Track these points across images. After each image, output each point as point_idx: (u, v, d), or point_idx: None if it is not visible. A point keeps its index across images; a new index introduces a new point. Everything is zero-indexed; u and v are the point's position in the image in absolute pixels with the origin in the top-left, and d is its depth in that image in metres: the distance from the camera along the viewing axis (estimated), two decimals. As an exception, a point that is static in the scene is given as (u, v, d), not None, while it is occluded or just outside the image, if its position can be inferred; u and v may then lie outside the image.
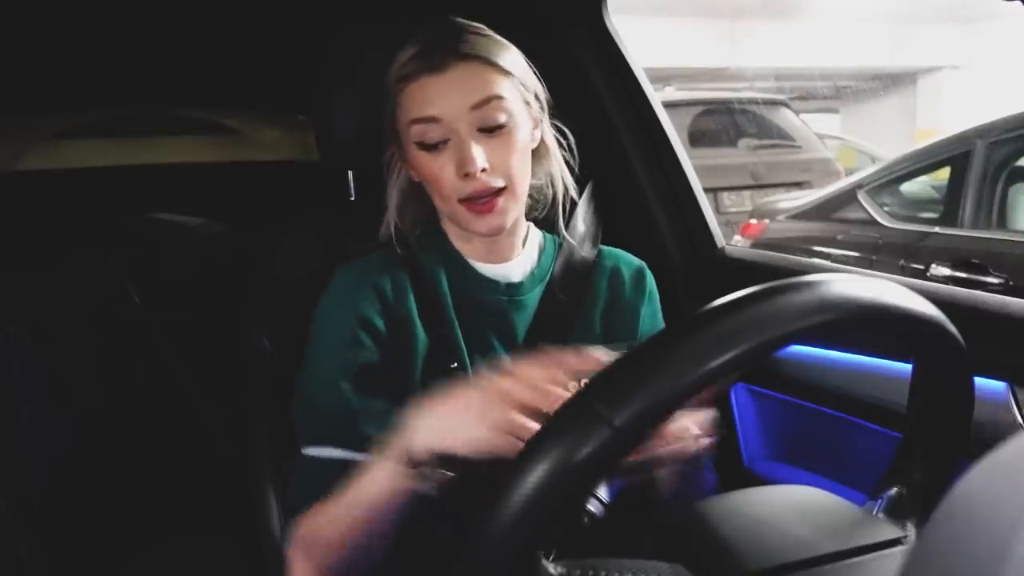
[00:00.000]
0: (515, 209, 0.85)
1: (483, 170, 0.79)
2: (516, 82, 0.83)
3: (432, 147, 0.81)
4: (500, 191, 0.81)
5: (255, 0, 1.31)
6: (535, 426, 0.60)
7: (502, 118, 0.80)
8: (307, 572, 0.74)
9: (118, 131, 1.54)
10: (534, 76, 0.87)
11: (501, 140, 0.81)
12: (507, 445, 0.62)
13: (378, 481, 0.69)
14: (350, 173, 1.40)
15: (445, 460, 0.65)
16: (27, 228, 1.34)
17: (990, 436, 0.60)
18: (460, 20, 0.83)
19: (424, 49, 0.80)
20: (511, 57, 0.84)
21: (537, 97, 0.87)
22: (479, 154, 0.79)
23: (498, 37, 0.84)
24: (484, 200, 0.81)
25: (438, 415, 0.67)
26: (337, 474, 0.74)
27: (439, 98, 0.79)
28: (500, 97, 0.80)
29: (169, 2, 1.27)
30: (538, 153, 0.90)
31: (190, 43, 1.40)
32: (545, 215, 0.95)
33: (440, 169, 0.81)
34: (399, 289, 0.86)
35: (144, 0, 1.25)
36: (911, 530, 0.58)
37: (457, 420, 0.65)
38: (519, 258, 0.92)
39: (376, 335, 0.83)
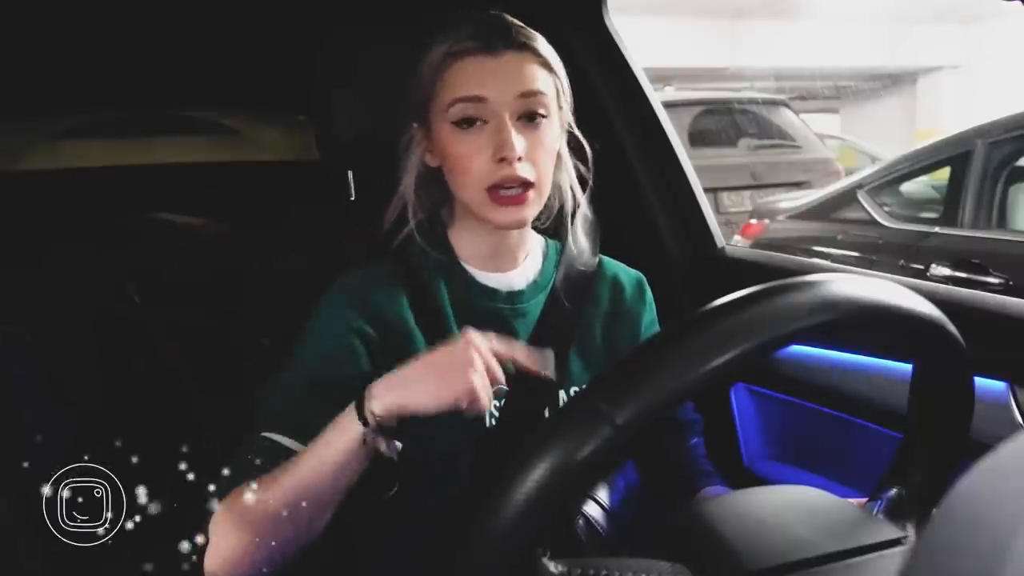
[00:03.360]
0: (537, 207, 0.84)
1: (519, 158, 0.79)
2: (559, 83, 0.85)
3: (469, 128, 0.80)
4: (529, 185, 0.81)
5: (255, 0, 1.31)
6: (490, 389, 0.68)
7: (543, 111, 0.81)
8: (232, 544, 0.72)
9: (118, 131, 1.53)
10: (569, 84, 0.87)
11: (538, 133, 0.81)
12: (465, 401, 0.67)
13: (335, 440, 0.70)
14: (350, 173, 1.40)
15: (403, 423, 0.69)
16: (27, 228, 1.34)
17: (990, 436, 0.60)
18: (506, 15, 0.84)
19: (479, 32, 0.80)
20: (556, 58, 0.85)
21: (568, 104, 0.88)
22: (518, 141, 0.79)
23: (542, 37, 0.85)
24: (513, 191, 0.80)
25: (400, 376, 0.70)
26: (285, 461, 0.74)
27: (489, 80, 0.79)
28: (544, 92, 0.82)
29: (169, 2, 1.27)
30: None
31: (190, 43, 1.40)
32: (549, 223, 0.94)
33: (475, 151, 0.80)
34: (395, 298, 0.85)
35: (144, 0, 1.25)
36: (911, 530, 0.58)
37: (418, 380, 0.69)
38: (522, 267, 0.92)
39: (369, 344, 0.82)
